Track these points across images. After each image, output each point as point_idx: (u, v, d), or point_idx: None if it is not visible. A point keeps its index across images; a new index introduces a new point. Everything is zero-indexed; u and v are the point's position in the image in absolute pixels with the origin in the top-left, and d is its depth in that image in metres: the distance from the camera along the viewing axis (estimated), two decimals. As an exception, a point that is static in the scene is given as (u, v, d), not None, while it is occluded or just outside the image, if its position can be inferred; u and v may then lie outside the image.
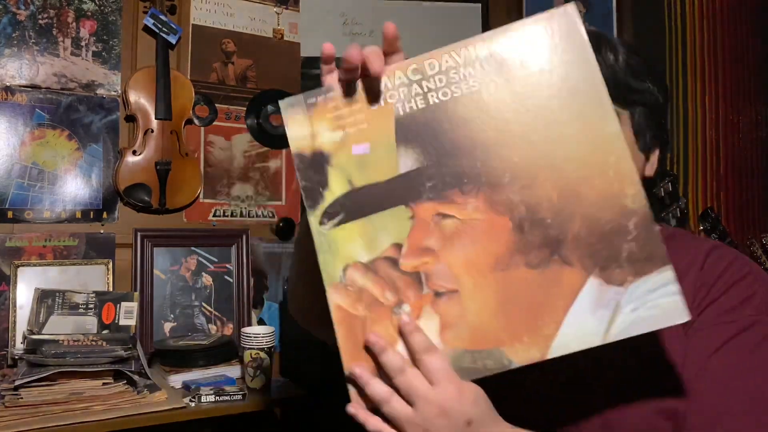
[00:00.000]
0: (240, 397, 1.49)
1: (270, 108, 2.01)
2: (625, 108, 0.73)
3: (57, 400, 1.34)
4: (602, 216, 0.58)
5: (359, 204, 0.61)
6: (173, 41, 1.82)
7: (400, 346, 0.59)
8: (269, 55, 2.03)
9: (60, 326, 1.59)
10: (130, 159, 1.75)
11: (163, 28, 1.80)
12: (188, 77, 1.89)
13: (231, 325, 1.89)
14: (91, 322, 1.63)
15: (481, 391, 0.59)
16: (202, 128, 1.94)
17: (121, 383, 1.43)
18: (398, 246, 0.60)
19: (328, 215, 0.62)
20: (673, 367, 0.67)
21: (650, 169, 0.78)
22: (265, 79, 2.02)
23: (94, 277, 1.73)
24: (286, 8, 2.06)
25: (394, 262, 0.60)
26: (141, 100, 1.77)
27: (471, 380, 0.59)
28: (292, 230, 1.96)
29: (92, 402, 1.35)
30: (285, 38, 2.06)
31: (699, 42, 2.12)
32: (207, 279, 1.89)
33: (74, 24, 1.76)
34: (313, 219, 0.62)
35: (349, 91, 0.62)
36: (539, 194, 0.59)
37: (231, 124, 1.98)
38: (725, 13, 2.07)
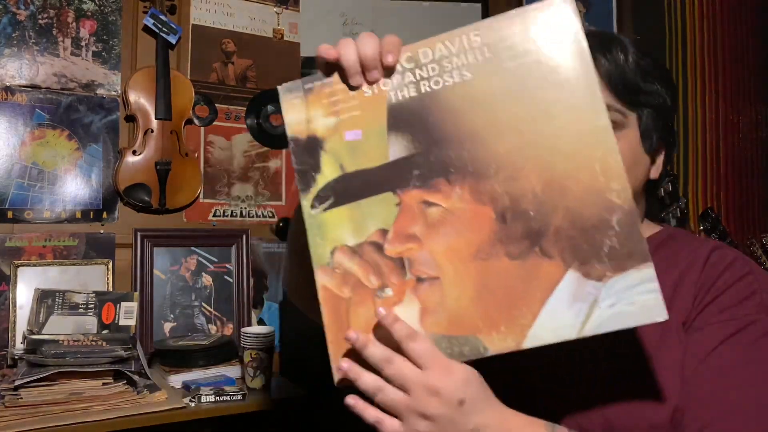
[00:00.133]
0: (240, 397, 1.49)
1: (270, 108, 2.01)
2: (633, 109, 0.73)
3: (57, 400, 1.34)
4: (585, 210, 0.58)
5: (349, 189, 0.63)
6: (173, 41, 1.82)
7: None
8: (269, 55, 2.03)
9: (60, 326, 1.59)
10: (130, 159, 1.75)
11: (163, 28, 1.80)
12: (188, 77, 1.89)
13: (231, 325, 1.89)
14: (91, 322, 1.63)
15: (474, 372, 0.60)
16: (202, 128, 1.94)
17: (121, 383, 1.43)
18: (384, 231, 0.62)
19: (319, 199, 0.63)
20: (671, 365, 0.67)
21: (655, 171, 0.78)
22: (265, 79, 2.02)
23: (94, 277, 1.73)
24: (286, 8, 2.06)
25: (379, 247, 0.62)
26: (141, 100, 1.77)
27: None
28: (292, 230, 1.96)
29: (92, 402, 1.35)
30: (285, 38, 2.06)
31: (699, 42, 2.12)
32: (207, 279, 1.89)
33: (74, 24, 1.76)
34: (305, 202, 0.64)
35: (345, 77, 0.63)
36: (523, 186, 0.59)
37: (231, 124, 1.98)
38: (725, 13, 2.07)
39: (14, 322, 1.61)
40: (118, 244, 1.78)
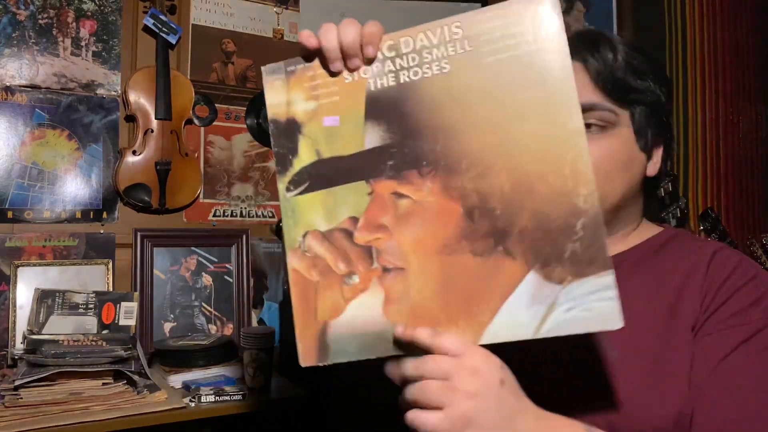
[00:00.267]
0: (240, 397, 1.49)
1: (270, 108, 2.00)
2: (625, 107, 0.73)
3: (57, 400, 1.34)
4: (551, 213, 0.58)
5: (324, 175, 0.64)
6: (173, 41, 1.82)
7: (346, 314, 0.62)
8: (269, 55, 2.03)
9: (60, 326, 1.59)
10: (130, 159, 1.75)
11: (163, 28, 1.80)
12: (188, 77, 1.89)
13: (231, 325, 1.89)
14: (91, 322, 1.63)
15: (506, 365, 0.59)
16: (202, 128, 1.94)
17: (121, 383, 1.43)
18: (355, 219, 0.63)
19: (294, 182, 0.64)
20: (678, 368, 0.67)
21: (653, 168, 0.77)
22: (265, 79, 2.02)
23: (94, 277, 1.73)
24: (286, 8, 2.06)
25: (349, 235, 0.63)
26: (141, 100, 1.77)
27: None
28: (292, 230, 1.95)
29: (92, 402, 1.35)
30: (285, 38, 2.06)
31: (699, 42, 2.12)
32: (207, 279, 1.89)
33: (74, 24, 1.76)
34: (281, 185, 0.65)
35: (325, 63, 0.63)
36: (492, 184, 0.59)
37: (231, 124, 1.98)
38: (725, 13, 2.07)
39: (14, 322, 1.61)
40: (118, 244, 1.78)
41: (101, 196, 1.78)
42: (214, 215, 1.94)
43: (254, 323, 1.93)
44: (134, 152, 1.76)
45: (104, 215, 1.78)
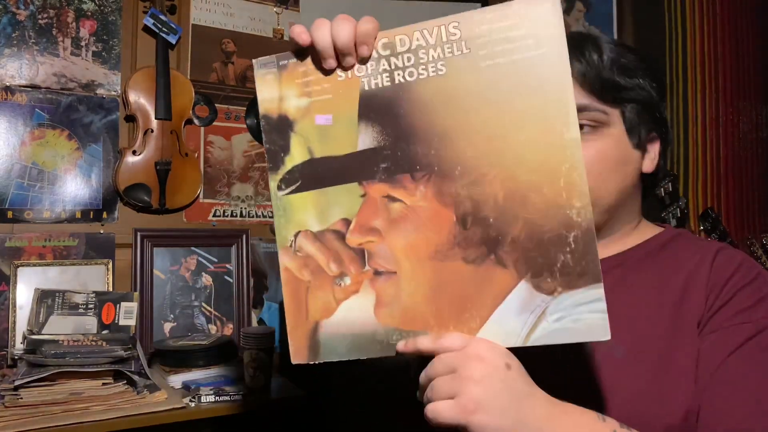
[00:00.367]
0: (240, 397, 1.49)
1: (270, 108, 2.00)
2: (615, 106, 0.73)
3: (57, 400, 1.34)
4: (544, 224, 0.57)
5: (316, 175, 0.63)
6: (173, 41, 1.82)
7: (337, 315, 0.63)
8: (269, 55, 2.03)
9: (60, 326, 1.59)
10: (130, 159, 1.75)
11: (163, 28, 1.80)
12: (188, 77, 1.89)
13: (231, 325, 1.89)
14: (90, 322, 1.63)
15: (512, 353, 0.60)
16: (202, 128, 1.94)
17: (120, 383, 1.43)
18: (347, 221, 0.63)
19: (286, 181, 0.64)
20: (685, 366, 0.67)
21: (650, 164, 0.77)
22: (265, 79, 2.02)
23: (94, 277, 1.73)
24: (286, 8, 2.06)
25: (341, 236, 0.63)
26: (141, 100, 1.77)
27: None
28: (292, 230, 1.95)
29: (92, 402, 1.35)
30: (285, 38, 2.06)
31: (699, 42, 2.12)
32: (207, 279, 1.89)
33: (74, 24, 1.76)
34: (272, 182, 0.65)
35: (318, 60, 0.62)
36: (486, 192, 0.59)
37: (231, 124, 1.98)
38: (725, 13, 2.07)
39: (14, 322, 1.61)
40: (118, 244, 1.78)
41: (101, 196, 1.78)
42: (214, 215, 1.94)
43: (254, 323, 1.93)
44: (134, 152, 1.76)
45: (104, 215, 1.78)
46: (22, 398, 1.31)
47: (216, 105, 1.95)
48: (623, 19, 2.37)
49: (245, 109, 2.00)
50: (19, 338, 1.59)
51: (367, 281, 0.62)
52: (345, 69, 0.62)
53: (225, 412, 1.46)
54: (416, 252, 0.61)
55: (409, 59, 0.60)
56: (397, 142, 0.61)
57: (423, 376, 0.60)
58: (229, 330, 1.88)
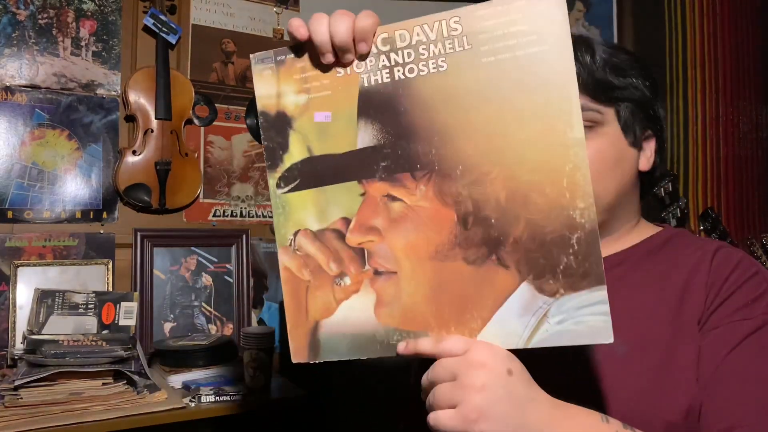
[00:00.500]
0: (240, 397, 1.49)
1: (270, 108, 2.00)
2: (609, 106, 0.73)
3: (57, 400, 1.34)
4: (547, 225, 0.56)
5: (315, 173, 0.62)
6: (173, 41, 1.82)
7: (338, 315, 0.62)
8: (269, 55, 2.03)
9: (60, 326, 1.59)
10: (130, 159, 1.75)
11: (163, 28, 1.80)
12: (188, 77, 1.89)
13: (231, 325, 1.89)
14: (90, 322, 1.63)
15: (514, 355, 0.59)
16: (202, 128, 1.94)
17: (120, 383, 1.43)
18: (347, 220, 0.62)
19: (285, 179, 0.63)
20: (686, 363, 0.67)
21: (646, 162, 0.78)
22: (265, 79, 2.02)
23: (94, 277, 1.73)
24: (286, 8, 2.06)
25: (341, 235, 0.62)
26: (141, 100, 1.77)
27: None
28: (292, 230, 1.96)
29: (92, 402, 1.35)
30: (285, 38, 2.06)
31: (699, 42, 2.12)
32: (207, 279, 1.89)
33: (74, 24, 1.76)
34: (271, 180, 0.64)
35: (317, 55, 0.61)
36: (487, 192, 0.58)
37: (231, 124, 1.98)
38: (725, 13, 2.07)
39: (14, 322, 1.61)
40: (118, 244, 1.78)
41: (101, 196, 1.78)
42: (214, 215, 1.94)
43: (254, 323, 1.93)
44: (134, 152, 1.76)
45: (104, 215, 1.78)
46: (22, 398, 1.31)
47: (216, 105, 1.95)
48: (623, 19, 2.37)
49: (245, 109, 2.00)
50: (19, 338, 1.59)
51: (367, 281, 0.62)
52: (344, 65, 0.61)
53: (225, 412, 1.46)
54: (416, 252, 0.60)
55: (409, 55, 0.59)
56: (397, 140, 0.60)
57: (425, 379, 0.59)
58: (229, 330, 1.88)
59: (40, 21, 1.72)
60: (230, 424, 1.55)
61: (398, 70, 0.60)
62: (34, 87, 1.71)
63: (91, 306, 1.64)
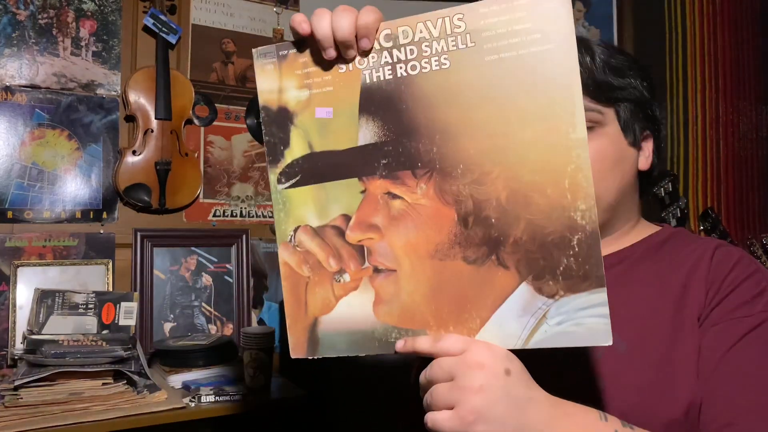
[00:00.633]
0: (240, 397, 1.49)
1: (270, 108, 2.00)
2: (609, 106, 0.74)
3: (57, 400, 1.34)
4: (547, 226, 0.56)
5: (315, 169, 0.62)
6: (173, 41, 1.82)
7: (337, 311, 0.63)
8: (269, 55, 2.03)
9: (60, 326, 1.59)
10: (130, 159, 1.75)
11: (163, 28, 1.80)
12: (188, 77, 1.89)
13: (231, 325, 1.89)
14: (90, 322, 1.63)
15: (512, 354, 0.59)
16: (202, 128, 1.94)
17: (120, 383, 1.43)
18: (347, 217, 0.62)
19: (285, 174, 0.63)
20: (685, 360, 0.68)
21: (645, 161, 0.78)
22: (265, 79, 2.02)
23: (94, 277, 1.73)
24: (286, 8, 2.06)
25: (340, 232, 0.62)
26: (141, 100, 1.77)
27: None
28: (292, 230, 1.96)
29: (92, 402, 1.35)
30: (285, 38, 2.05)
31: (699, 42, 2.12)
32: (207, 279, 1.89)
33: (74, 24, 1.76)
34: (272, 176, 0.64)
35: (319, 51, 0.61)
36: (488, 191, 0.57)
37: (231, 124, 1.98)
38: (725, 13, 2.07)
39: (14, 322, 1.61)
40: (118, 244, 1.78)
41: (101, 196, 1.78)
42: (214, 215, 1.94)
43: (254, 323, 1.93)
44: (134, 152, 1.76)
45: (104, 215, 1.78)
46: (22, 398, 1.31)
47: (216, 105, 1.95)
48: (623, 19, 2.37)
49: (245, 109, 2.00)
50: (19, 338, 1.59)
51: (366, 278, 0.62)
52: (346, 61, 0.61)
53: (225, 412, 1.46)
54: (416, 250, 0.60)
55: (411, 52, 0.59)
56: (398, 138, 0.59)
57: (423, 378, 0.59)
58: (229, 330, 1.88)
59: (40, 21, 1.72)
60: (230, 424, 1.55)
61: (400, 67, 0.59)
62: (34, 87, 1.71)
63: (91, 306, 1.64)
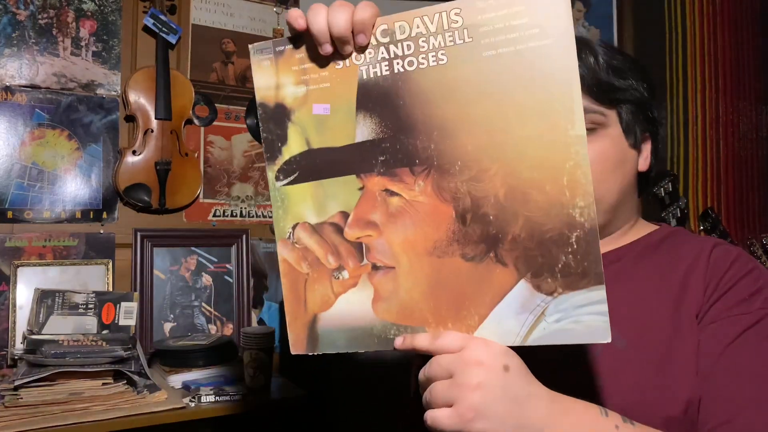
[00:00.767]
0: (240, 397, 1.49)
1: (270, 108, 2.00)
2: (611, 108, 0.74)
3: (57, 400, 1.34)
4: (546, 223, 0.56)
5: (313, 166, 0.62)
6: (173, 41, 1.82)
7: (336, 308, 0.63)
8: (269, 55, 2.03)
9: (60, 326, 1.59)
10: (130, 159, 1.75)
11: (163, 28, 1.80)
12: (188, 77, 1.89)
13: (231, 325, 1.89)
14: (90, 322, 1.63)
15: (511, 350, 0.59)
16: (202, 128, 1.94)
17: (120, 383, 1.43)
18: (345, 214, 0.62)
19: (283, 171, 0.63)
20: (685, 357, 0.68)
21: (644, 162, 0.79)
22: (265, 79, 2.02)
23: (94, 277, 1.73)
24: (286, 8, 2.06)
25: (339, 229, 0.62)
26: (141, 100, 1.77)
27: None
28: (292, 230, 1.96)
29: (92, 402, 1.35)
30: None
31: (699, 42, 2.12)
32: (207, 279, 1.89)
33: (74, 24, 1.76)
34: (270, 173, 0.63)
35: (315, 46, 0.60)
36: (486, 189, 0.57)
37: (231, 124, 1.98)
38: (725, 13, 2.07)
39: (14, 322, 1.61)
40: (118, 244, 1.78)
41: (101, 196, 1.78)
42: (214, 215, 1.94)
43: (254, 323, 1.93)
44: (134, 152, 1.76)
45: (104, 215, 1.78)
46: (22, 398, 1.31)
47: (216, 105, 1.95)
48: (623, 19, 2.37)
49: (245, 109, 2.00)
50: (19, 338, 1.59)
51: (365, 275, 0.62)
52: (343, 57, 0.60)
53: (225, 412, 1.46)
54: (414, 247, 0.60)
55: (409, 47, 0.58)
56: (396, 135, 0.59)
57: (422, 375, 0.60)
58: (229, 330, 1.88)
59: (40, 21, 1.72)
60: (230, 424, 1.55)
61: (398, 63, 0.59)
62: (34, 87, 1.71)
63: (91, 306, 1.64)
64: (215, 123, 1.95)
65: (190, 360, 1.61)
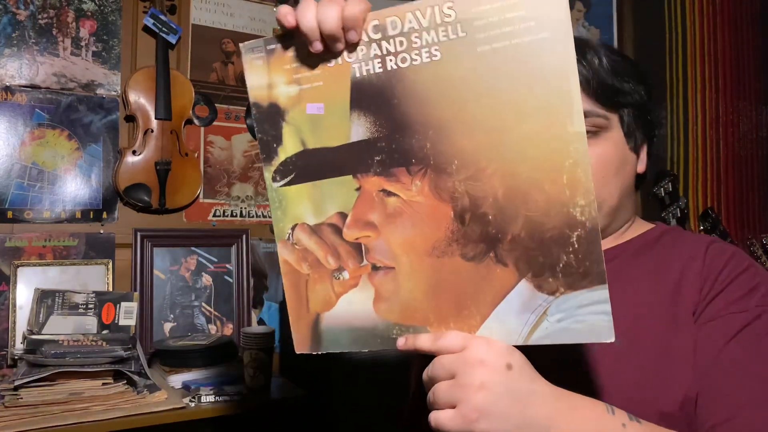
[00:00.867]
0: (240, 397, 1.49)
1: (270, 108, 2.00)
2: (614, 111, 0.74)
3: (57, 400, 1.34)
4: (546, 222, 0.55)
5: (309, 167, 0.61)
6: (173, 41, 1.82)
7: (338, 308, 0.63)
8: (269, 55, 2.03)
9: (60, 326, 1.59)
10: (130, 159, 1.75)
11: (163, 28, 1.80)
12: (188, 77, 1.89)
13: (231, 325, 1.89)
14: (90, 322, 1.63)
15: (514, 348, 0.59)
16: (202, 128, 1.94)
17: (120, 383, 1.43)
18: (343, 215, 0.61)
19: (280, 172, 0.62)
20: (682, 354, 0.68)
21: (641, 165, 0.79)
22: (265, 79, 2.02)
23: (94, 277, 1.73)
24: (286, 8, 2.06)
25: (337, 230, 0.62)
26: (141, 100, 1.77)
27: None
28: (292, 230, 1.96)
29: (92, 402, 1.35)
30: (285, 38, 2.06)
31: (699, 42, 2.12)
32: (207, 279, 1.89)
33: (74, 24, 1.76)
34: (267, 174, 0.63)
35: (306, 44, 0.59)
36: (485, 188, 0.56)
37: (231, 124, 1.98)
38: (725, 13, 2.07)
39: (14, 322, 1.61)
40: (118, 244, 1.78)
41: (101, 196, 1.78)
42: (214, 215, 1.94)
43: (254, 323, 1.93)
44: (134, 152, 1.76)
45: (104, 215, 1.78)
46: (22, 398, 1.31)
47: (216, 105, 1.95)
48: (623, 19, 2.37)
49: (245, 109, 2.00)
50: (19, 338, 1.59)
51: (365, 276, 0.61)
52: (334, 54, 0.58)
53: (225, 412, 1.46)
54: (414, 248, 0.59)
55: (401, 43, 0.56)
56: (391, 134, 0.58)
57: (425, 376, 0.59)
58: (229, 330, 1.88)
59: (40, 21, 1.72)
60: (230, 424, 1.55)
61: (390, 60, 0.57)
62: (34, 87, 1.71)
63: (91, 306, 1.64)
64: (215, 123, 1.95)
65: (190, 360, 1.61)
